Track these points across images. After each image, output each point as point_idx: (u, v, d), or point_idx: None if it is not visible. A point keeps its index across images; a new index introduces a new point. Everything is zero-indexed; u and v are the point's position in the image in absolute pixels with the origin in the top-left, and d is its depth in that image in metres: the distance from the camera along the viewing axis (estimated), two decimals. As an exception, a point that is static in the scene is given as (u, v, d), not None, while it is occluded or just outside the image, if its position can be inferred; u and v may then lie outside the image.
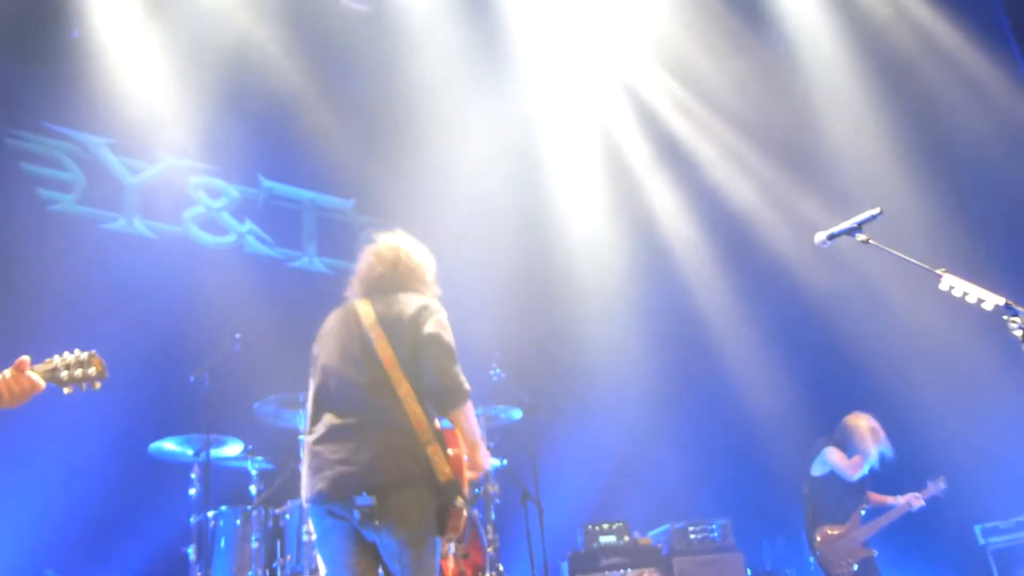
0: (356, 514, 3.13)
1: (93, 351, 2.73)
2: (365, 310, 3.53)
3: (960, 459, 7.61)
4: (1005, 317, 3.12)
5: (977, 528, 7.45)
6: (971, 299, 3.19)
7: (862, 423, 6.23)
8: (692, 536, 6.76)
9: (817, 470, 6.23)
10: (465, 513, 3.30)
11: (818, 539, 6.11)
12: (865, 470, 6.15)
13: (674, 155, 8.83)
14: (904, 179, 7.98)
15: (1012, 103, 7.79)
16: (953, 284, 3.25)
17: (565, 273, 8.53)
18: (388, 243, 3.76)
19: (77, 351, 2.73)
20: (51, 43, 6.95)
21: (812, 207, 8.11)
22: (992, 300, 3.15)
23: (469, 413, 3.44)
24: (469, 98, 8.22)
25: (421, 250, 3.84)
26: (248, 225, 7.70)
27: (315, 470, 3.23)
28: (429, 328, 3.41)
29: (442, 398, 3.37)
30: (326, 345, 3.57)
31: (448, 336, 3.46)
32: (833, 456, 6.14)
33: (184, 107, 7.36)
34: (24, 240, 6.50)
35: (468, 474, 3.44)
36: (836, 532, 6.11)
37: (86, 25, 7.04)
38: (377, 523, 3.12)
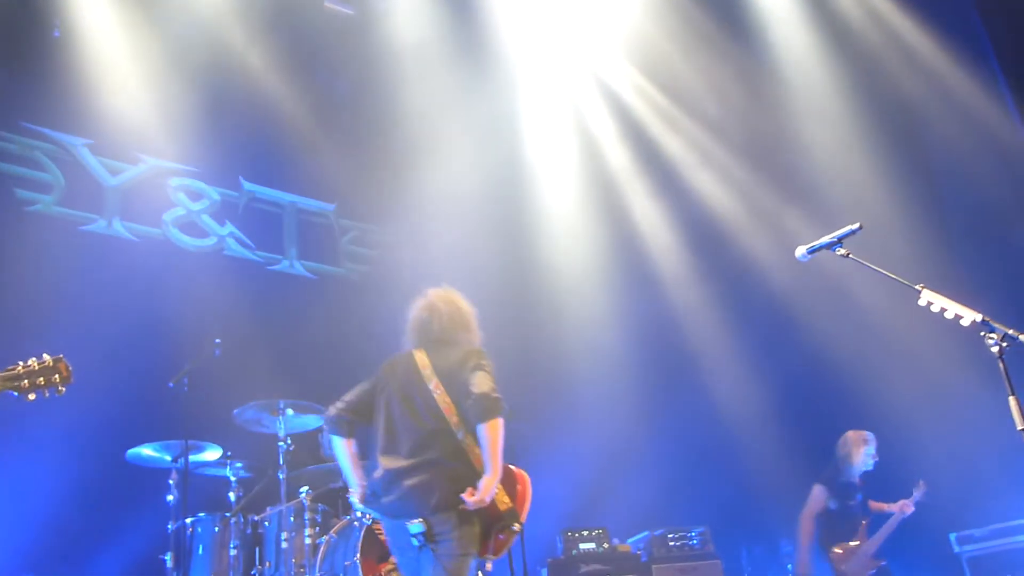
0: (415, 530, 3.63)
1: (60, 356, 2.71)
2: (423, 360, 3.99)
3: (936, 467, 7.68)
4: (982, 333, 3.16)
5: (952, 536, 7.52)
6: (949, 315, 3.23)
7: (851, 436, 6.49)
8: (671, 543, 6.77)
9: None
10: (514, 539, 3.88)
11: (835, 557, 6.28)
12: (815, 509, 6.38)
13: (653, 161, 8.87)
14: (883, 192, 8.05)
15: (992, 118, 7.88)
16: (932, 300, 3.28)
17: (546, 279, 8.53)
18: (443, 297, 4.27)
19: (45, 356, 2.70)
20: (31, 42, 6.89)
21: (790, 215, 8.18)
22: (969, 316, 3.18)
23: (499, 427, 3.89)
24: (452, 101, 8.22)
25: (466, 302, 4.32)
26: (229, 228, 7.65)
27: (385, 491, 3.77)
28: (475, 378, 3.92)
29: (478, 409, 3.82)
30: (390, 387, 4.02)
31: (490, 383, 3.96)
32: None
33: (165, 109, 7.32)
34: (0, 240, 6.42)
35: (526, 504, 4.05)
36: (848, 548, 6.29)
37: (67, 25, 6.99)
38: (431, 542, 3.63)
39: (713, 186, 8.70)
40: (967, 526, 7.45)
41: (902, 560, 7.69)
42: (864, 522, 6.38)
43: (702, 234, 8.52)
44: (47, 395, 2.72)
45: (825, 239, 3.57)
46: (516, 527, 3.83)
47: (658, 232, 8.70)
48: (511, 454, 6.19)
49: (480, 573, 5.48)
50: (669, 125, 8.86)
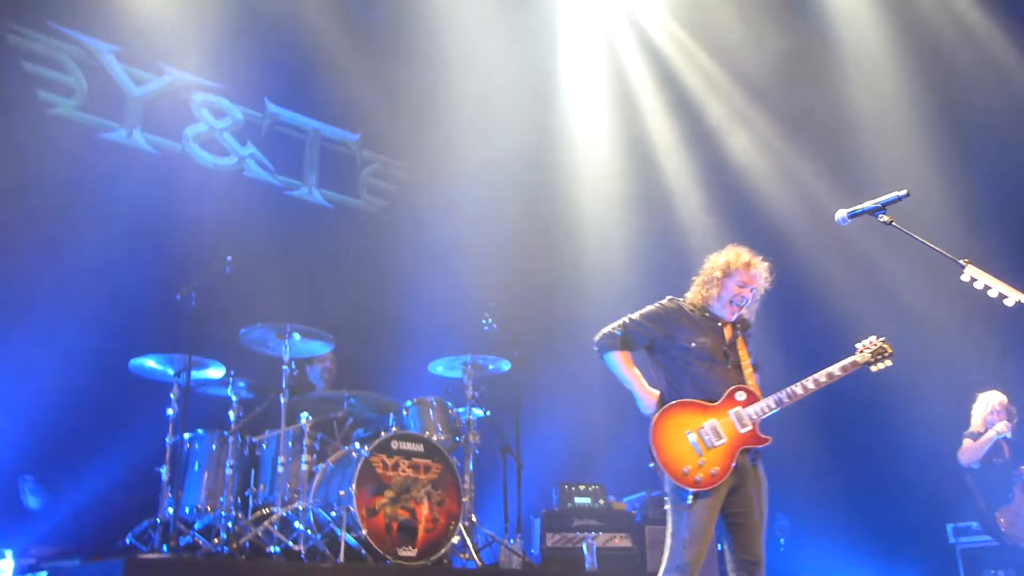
0: None
1: None
2: None
3: (937, 457, 7.61)
4: None
5: (949, 527, 7.47)
6: (992, 293, 3.10)
7: (985, 399, 6.46)
8: (667, 506, 6.72)
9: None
10: None
11: (1001, 523, 6.28)
12: (982, 451, 6.32)
13: (689, 119, 8.69)
14: (928, 165, 7.86)
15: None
16: (975, 276, 3.15)
17: (568, 226, 8.42)
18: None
19: None
20: (62, -59, 6.73)
21: (825, 186, 8.00)
22: (1015, 296, 3.05)
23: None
24: (488, 43, 8.05)
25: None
26: (250, 149, 7.53)
27: None
28: None
29: None
30: None
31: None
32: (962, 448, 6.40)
33: (195, 22, 7.18)
34: (18, 139, 6.32)
35: None
36: (1010, 511, 6.26)
37: (100, -75, 6.82)
38: None
39: (749, 150, 8.52)
40: (965, 518, 7.40)
41: (897, 549, 7.66)
42: (1018, 482, 6.33)
43: (733, 198, 8.35)
44: None
45: (869, 203, 3.42)
46: None
47: (687, 192, 8.54)
48: (517, 404, 6.20)
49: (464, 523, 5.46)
50: (709, 84, 8.67)
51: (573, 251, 8.35)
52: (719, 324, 3.94)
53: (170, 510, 4.83)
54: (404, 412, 5.52)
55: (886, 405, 7.29)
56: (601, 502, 6.52)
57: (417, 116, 8.05)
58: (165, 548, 4.53)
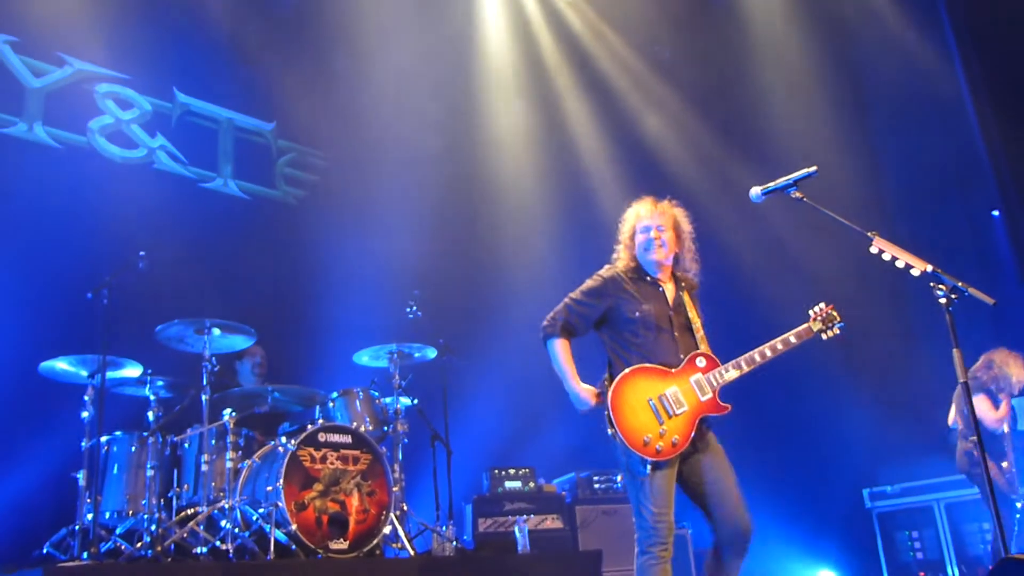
0: None
1: None
2: None
3: (853, 424, 7.88)
4: (932, 284, 3.14)
5: (865, 492, 7.75)
6: (900, 263, 3.21)
7: (1012, 361, 6.06)
8: (596, 486, 6.83)
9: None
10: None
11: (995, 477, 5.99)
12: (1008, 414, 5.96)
13: (599, 92, 8.80)
14: (832, 140, 8.10)
15: (934, 72, 7.97)
16: (883, 247, 3.26)
17: (490, 210, 8.41)
18: None
19: None
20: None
21: (736, 163, 8.18)
22: (920, 266, 3.16)
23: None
24: (399, 20, 7.97)
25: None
26: (160, 140, 7.29)
27: None
28: None
29: None
30: None
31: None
32: (979, 410, 5.87)
33: (96, 9, 6.91)
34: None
35: None
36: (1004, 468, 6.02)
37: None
38: None
39: (660, 128, 8.65)
40: (880, 483, 7.69)
41: (814, 513, 7.91)
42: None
43: (646, 175, 8.46)
44: None
45: (781, 181, 3.52)
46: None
47: (603, 172, 8.62)
48: (442, 389, 6.18)
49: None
50: (621, 64, 8.77)
51: (495, 236, 8.34)
52: (659, 288, 3.82)
53: (89, 516, 4.67)
54: (330, 404, 5.46)
55: (799, 376, 7.48)
56: (531, 485, 6.58)
57: (333, 103, 7.92)
58: (85, 555, 4.39)
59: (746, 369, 3.69)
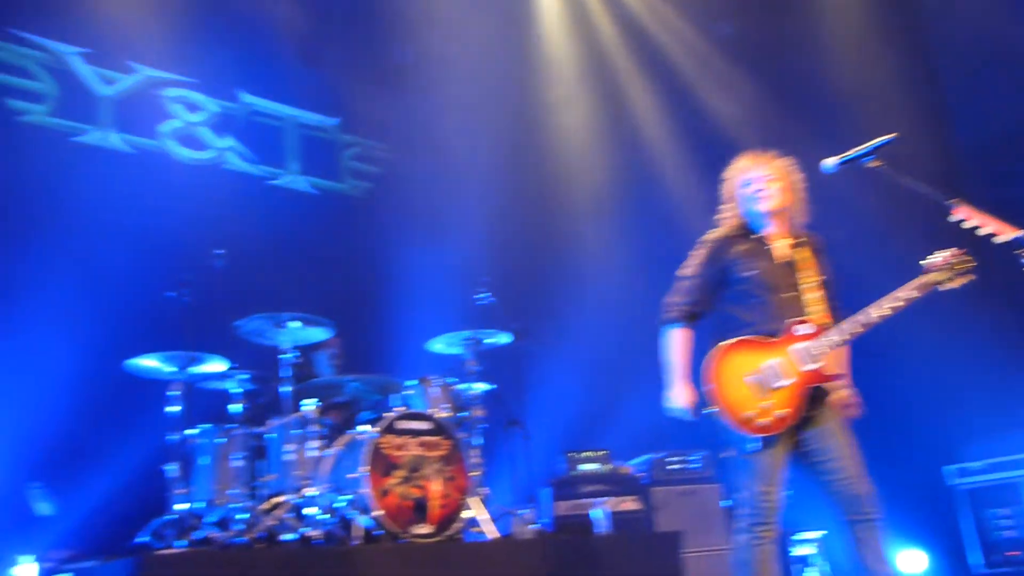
0: None
1: None
2: None
3: (933, 398, 7.69)
4: (1018, 251, 3.05)
5: (949, 468, 7.57)
6: (984, 231, 3.12)
7: None
8: (671, 467, 6.79)
9: None
10: None
11: None
12: None
13: (663, 75, 8.72)
14: (902, 108, 7.91)
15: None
16: (966, 215, 3.17)
17: (554, 196, 8.43)
18: None
19: None
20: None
21: (803, 137, 8.04)
22: (1007, 233, 3.07)
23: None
24: (460, 11, 8.00)
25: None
26: (229, 141, 7.48)
27: None
28: None
29: None
30: None
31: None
32: None
33: (160, 16, 7.10)
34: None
35: None
36: None
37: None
38: None
39: (725, 107, 8.55)
40: (963, 459, 7.49)
41: (896, 490, 7.75)
42: None
43: (712, 155, 8.37)
44: None
45: (857, 150, 3.42)
46: None
47: (668, 145, 8.55)
48: (517, 374, 6.22)
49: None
50: (679, 43, 8.69)
51: (564, 219, 8.36)
52: (766, 246, 3.59)
53: (181, 506, 4.84)
54: (408, 392, 5.54)
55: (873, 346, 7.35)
56: (608, 467, 6.57)
57: (395, 96, 8.02)
58: (180, 543, 4.53)
59: (857, 332, 3.39)
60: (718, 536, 6.47)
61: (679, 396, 3.60)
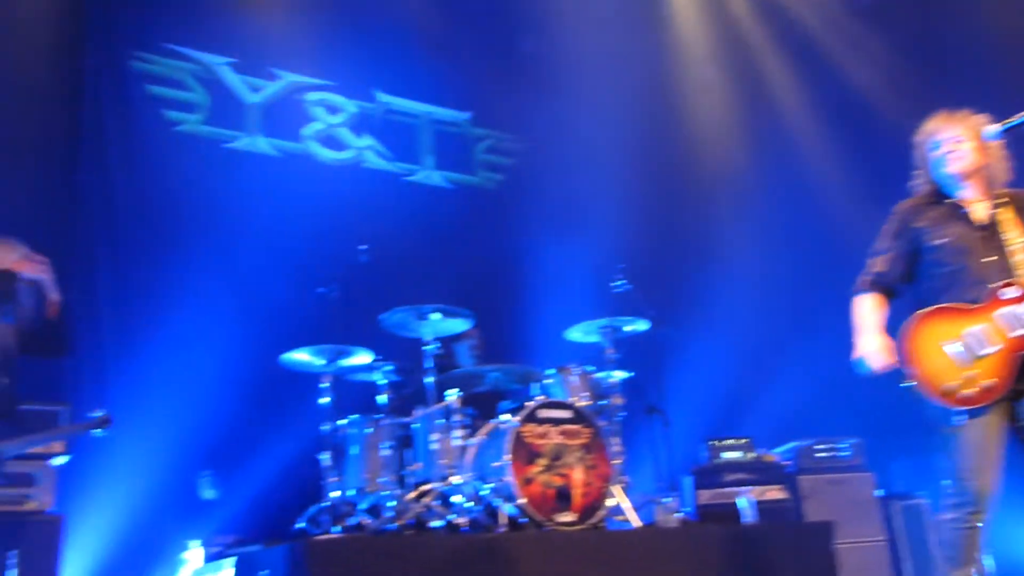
0: None
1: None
2: None
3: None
4: None
5: None
6: None
7: None
8: (819, 455, 6.59)
9: None
10: None
11: None
12: None
13: (800, 47, 8.43)
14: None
15: None
16: None
17: (693, 179, 8.31)
18: None
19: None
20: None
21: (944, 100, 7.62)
22: None
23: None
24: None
25: None
26: (367, 140, 7.74)
27: None
28: None
29: None
30: None
31: None
32: None
33: (300, 22, 7.41)
34: (153, 160, 6.68)
35: None
36: None
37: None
38: None
39: (866, 78, 8.18)
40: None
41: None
42: None
43: (855, 129, 8.05)
44: None
45: (1020, 116, 3.22)
46: None
47: (804, 122, 8.28)
48: (656, 361, 6.17)
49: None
50: (815, 12, 8.38)
51: (699, 203, 8.22)
52: (961, 210, 3.37)
53: (335, 493, 5.05)
54: (547, 381, 5.58)
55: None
56: (751, 455, 6.44)
57: (525, 86, 8.08)
58: (336, 529, 4.73)
59: None
60: (872, 527, 6.25)
61: (869, 346, 3.38)
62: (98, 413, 4.21)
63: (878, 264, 3.50)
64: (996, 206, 3.38)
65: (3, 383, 3.85)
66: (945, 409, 3.14)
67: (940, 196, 3.45)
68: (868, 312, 3.47)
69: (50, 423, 5.08)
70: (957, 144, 3.40)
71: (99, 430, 4.19)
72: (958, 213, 3.40)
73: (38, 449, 4.69)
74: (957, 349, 3.16)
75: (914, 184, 3.57)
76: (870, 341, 3.38)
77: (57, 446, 4.80)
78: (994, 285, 3.21)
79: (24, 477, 4.76)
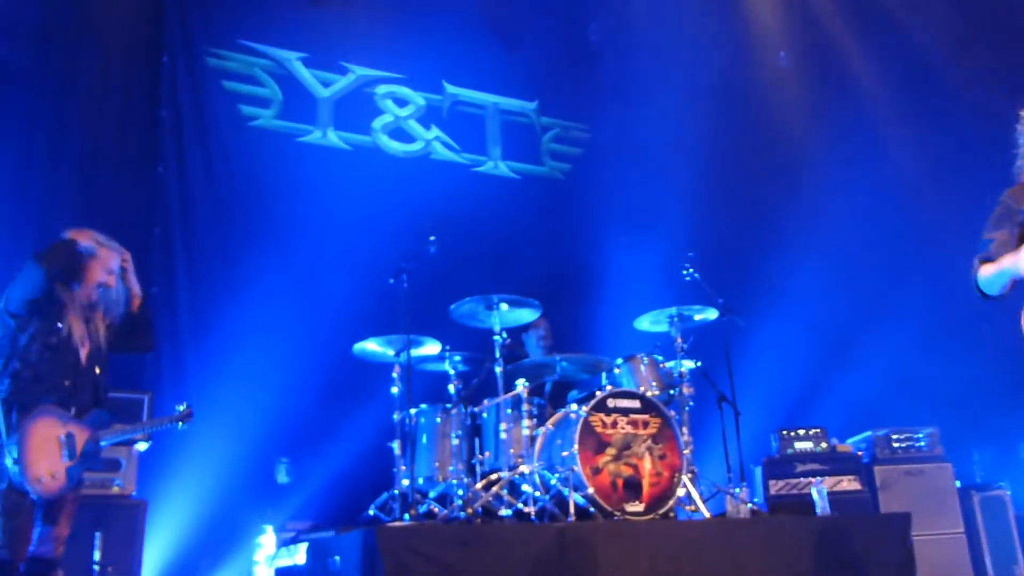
0: None
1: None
2: None
3: None
4: None
5: None
6: None
7: None
8: (896, 444, 6.46)
9: None
10: None
11: None
12: None
13: (868, 19, 8.22)
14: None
15: None
16: None
17: (759, 168, 8.17)
18: None
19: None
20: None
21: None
22: None
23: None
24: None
25: None
26: (435, 132, 7.81)
27: None
28: None
29: None
30: None
31: None
32: None
33: (368, 16, 7.50)
34: (230, 155, 6.86)
35: None
36: None
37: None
38: None
39: (942, 51, 7.92)
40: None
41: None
42: None
43: (933, 107, 7.82)
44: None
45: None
46: None
47: (879, 104, 8.08)
48: (725, 350, 6.10)
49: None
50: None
51: (769, 191, 8.09)
52: None
53: (405, 481, 5.13)
54: (616, 370, 5.56)
55: None
56: (823, 445, 6.33)
57: (592, 75, 8.07)
58: (406, 517, 4.81)
59: None
60: (951, 518, 6.11)
61: (1019, 257, 3.13)
62: (181, 408, 4.36)
63: (989, 255, 3.26)
64: None
65: (94, 375, 4.01)
66: None
67: None
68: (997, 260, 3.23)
69: (134, 410, 5.28)
70: None
71: (181, 423, 4.34)
72: None
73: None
74: None
75: (1019, 166, 3.35)
76: (1017, 256, 3.13)
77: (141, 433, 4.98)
78: None
79: (110, 462, 4.95)
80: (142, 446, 4.97)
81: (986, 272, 3.20)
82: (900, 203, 7.63)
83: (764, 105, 8.39)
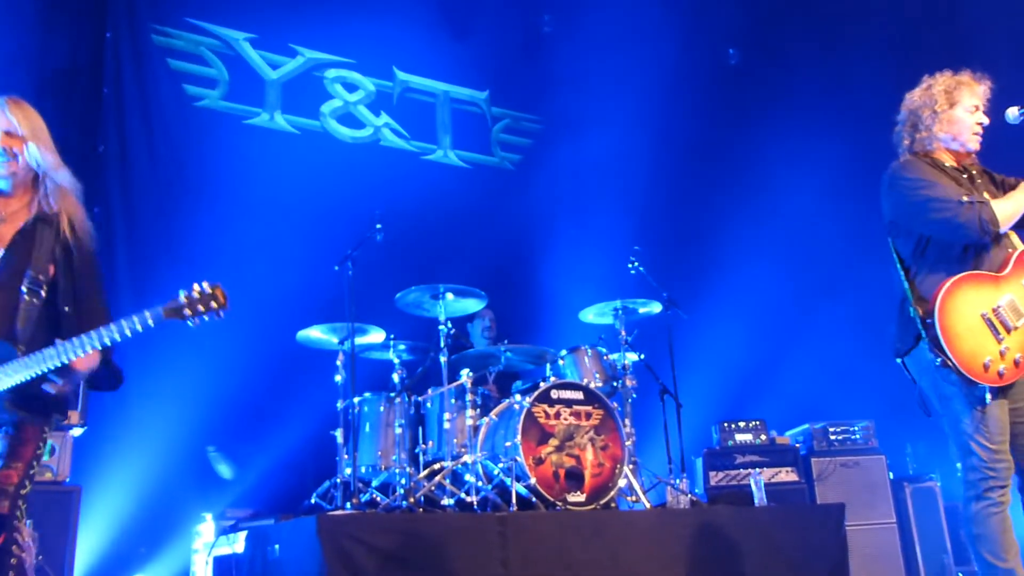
0: None
1: (218, 284, 2.83)
2: None
3: None
4: None
5: None
6: None
7: None
8: (832, 437, 6.60)
9: None
10: None
11: None
12: None
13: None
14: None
15: None
16: None
17: (709, 164, 8.26)
18: None
19: (205, 284, 2.77)
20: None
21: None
22: None
23: None
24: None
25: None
26: (384, 118, 7.73)
27: None
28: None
29: None
30: None
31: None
32: None
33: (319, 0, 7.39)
34: (173, 135, 6.71)
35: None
36: None
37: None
38: None
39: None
40: None
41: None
42: None
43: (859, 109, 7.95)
44: (207, 319, 2.83)
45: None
46: None
47: (817, 105, 8.22)
48: (668, 343, 6.17)
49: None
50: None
51: (715, 185, 8.18)
52: (966, 175, 3.16)
53: (348, 470, 5.11)
54: (560, 362, 5.60)
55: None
56: (763, 438, 6.45)
57: (543, 67, 8.05)
58: (348, 505, 4.79)
59: None
60: (884, 509, 6.26)
61: None
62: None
63: (959, 196, 3.10)
64: (985, 177, 3.28)
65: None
66: (979, 386, 2.93)
67: (938, 161, 3.22)
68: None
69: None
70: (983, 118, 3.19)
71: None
72: (964, 180, 3.21)
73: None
74: (992, 320, 2.96)
75: (909, 144, 3.31)
76: None
77: (74, 416, 4.86)
78: (1019, 252, 3.07)
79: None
80: (76, 431, 4.87)
81: (1006, 208, 3.04)
82: (839, 202, 7.77)
83: (712, 101, 8.47)
